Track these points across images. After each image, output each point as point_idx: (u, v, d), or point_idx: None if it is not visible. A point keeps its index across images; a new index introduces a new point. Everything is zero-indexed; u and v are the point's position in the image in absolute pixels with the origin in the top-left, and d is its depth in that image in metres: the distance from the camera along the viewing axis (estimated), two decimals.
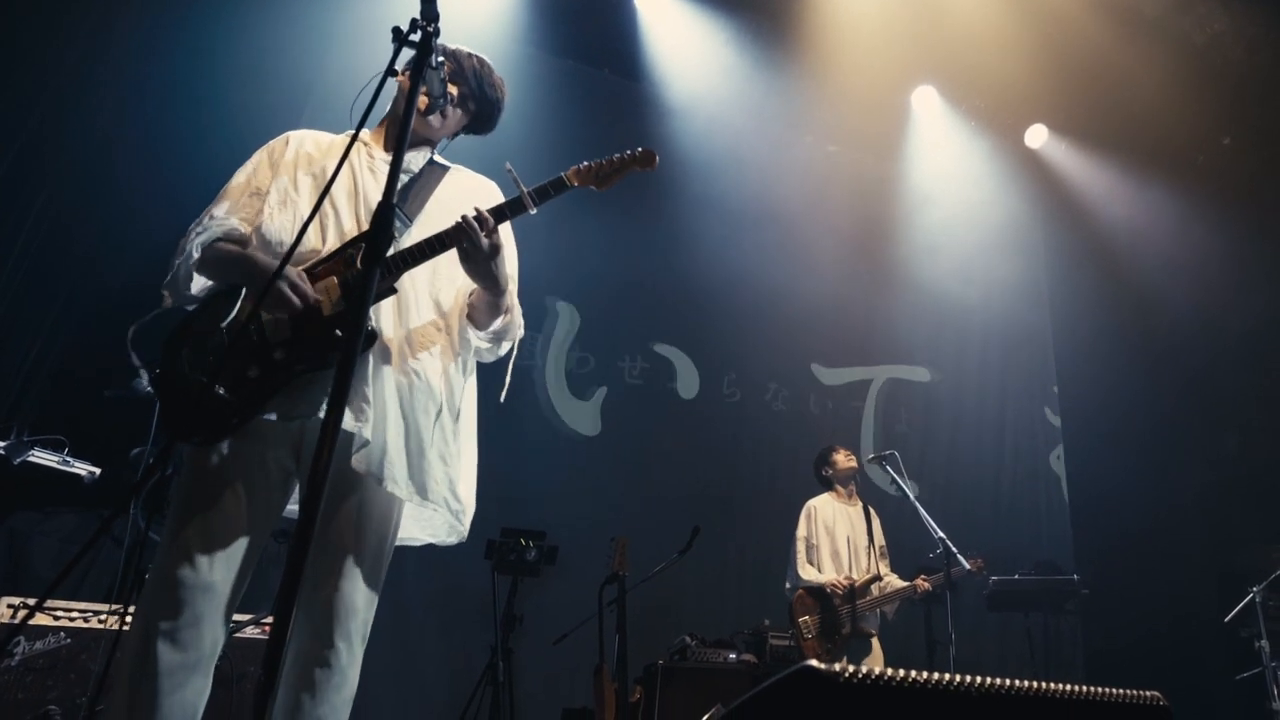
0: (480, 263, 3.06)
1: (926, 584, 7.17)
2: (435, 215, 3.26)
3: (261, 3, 7.74)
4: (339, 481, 2.94)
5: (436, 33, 2.51)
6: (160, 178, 6.82)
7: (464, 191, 3.45)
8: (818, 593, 7.13)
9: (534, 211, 3.16)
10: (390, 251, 3.01)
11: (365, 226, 3.07)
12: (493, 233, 3.04)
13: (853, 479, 7.64)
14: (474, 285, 3.23)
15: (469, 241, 2.99)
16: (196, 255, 2.98)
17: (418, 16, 2.48)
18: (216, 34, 7.43)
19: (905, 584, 7.23)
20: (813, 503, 7.57)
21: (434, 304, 3.23)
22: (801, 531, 7.42)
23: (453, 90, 3.36)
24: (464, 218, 2.99)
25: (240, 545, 2.83)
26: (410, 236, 3.16)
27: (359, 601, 2.94)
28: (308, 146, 3.29)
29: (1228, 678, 7.63)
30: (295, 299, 2.87)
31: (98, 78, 7.04)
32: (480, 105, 3.48)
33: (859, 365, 10.74)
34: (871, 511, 7.59)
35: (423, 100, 3.13)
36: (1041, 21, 9.08)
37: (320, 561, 2.93)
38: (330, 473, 2.92)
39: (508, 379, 3.51)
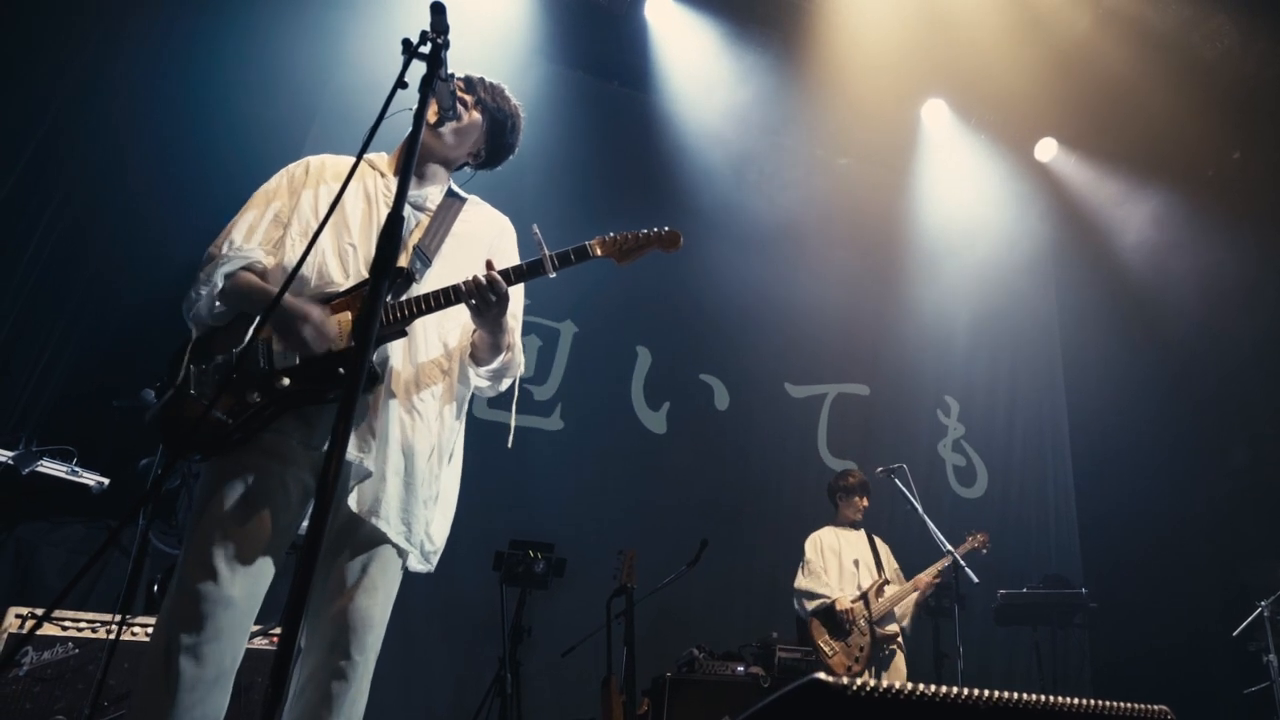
0: (489, 316, 3.11)
1: (927, 577, 7.16)
2: (452, 254, 3.29)
3: (271, 14, 7.77)
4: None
5: (446, 45, 2.50)
6: (170, 187, 6.85)
7: (480, 229, 3.49)
8: (826, 614, 7.13)
9: (552, 275, 3.18)
10: (408, 295, 3.06)
11: None
12: (499, 297, 3.07)
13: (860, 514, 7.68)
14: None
15: (480, 300, 3.02)
16: (220, 285, 2.98)
17: (427, 29, 2.47)
18: (226, 44, 7.46)
19: (907, 584, 7.22)
20: (817, 533, 7.64)
21: (441, 344, 3.24)
22: (809, 554, 7.47)
23: (466, 98, 3.37)
24: (477, 281, 3.03)
25: (261, 561, 2.83)
26: (430, 275, 3.19)
27: (376, 615, 2.96)
28: (327, 174, 3.29)
29: (1235, 692, 7.62)
30: (314, 343, 2.92)
31: (107, 87, 7.06)
32: (494, 115, 3.46)
33: (865, 378, 10.71)
34: (877, 539, 7.62)
35: (433, 114, 3.14)
36: (1051, 35, 9.09)
37: (338, 575, 2.95)
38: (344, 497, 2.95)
39: (513, 423, 3.54)
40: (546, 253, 3.14)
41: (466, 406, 3.44)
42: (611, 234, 3.28)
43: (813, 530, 7.66)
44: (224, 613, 2.71)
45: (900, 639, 7.19)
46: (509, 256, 3.51)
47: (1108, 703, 1.77)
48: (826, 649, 7.01)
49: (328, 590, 2.94)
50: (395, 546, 3.04)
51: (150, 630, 2.73)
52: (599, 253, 3.25)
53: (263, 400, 2.86)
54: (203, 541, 2.77)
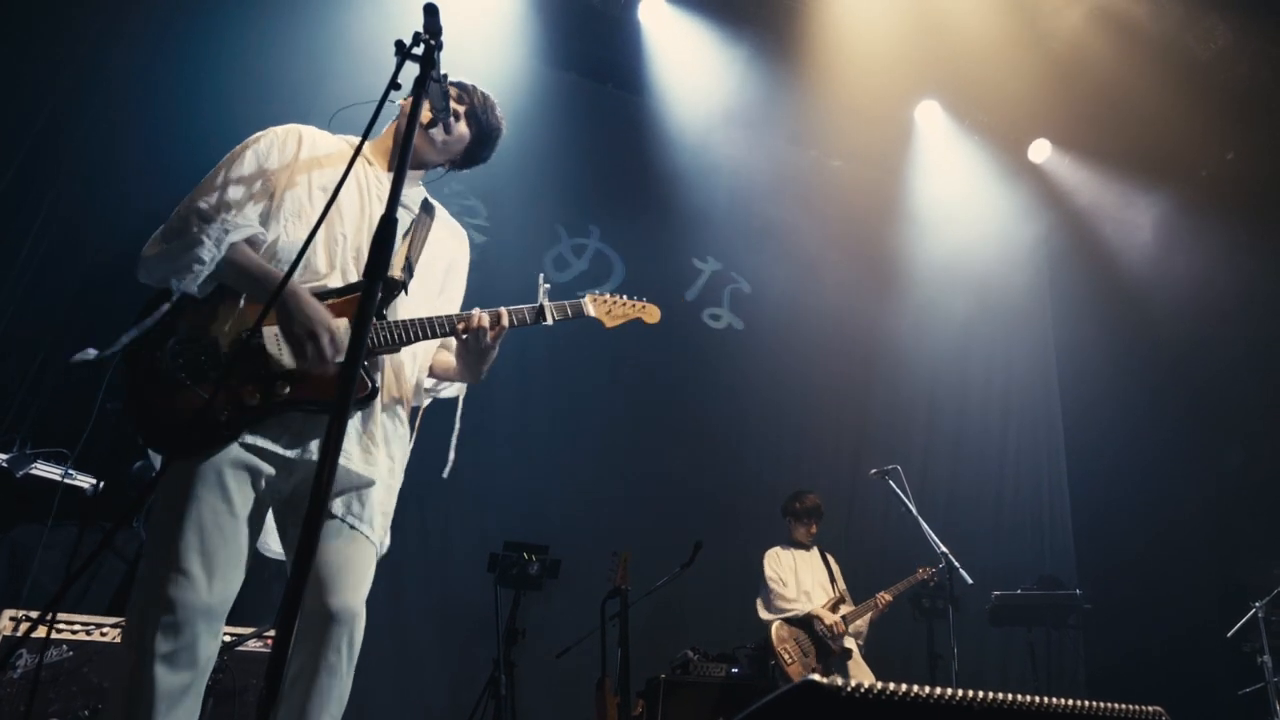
0: (475, 356, 3.19)
1: (887, 596, 7.26)
2: (430, 261, 3.36)
3: (267, 11, 7.77)
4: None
5: (439, 46, 2.49)
6: (167, 183, 6.80)
7: (446, 239, 3.52)
8: (795, 622, 7.16)
9: (550, 324, 3.28)
10: (394, 310, 3.12)
11: None
12: (498, 337, 3.16)
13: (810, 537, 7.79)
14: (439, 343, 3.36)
15: (474, 339, 3.12)
16: (222, 254, 2.85)
17: (421, 30, 2.47)
18: (223, 41, 7.47)
19: (868, 602, 7.31)
20: (773, 550, 7.77)
21: (411, 355, 3.27)
22: (770, 573, 7.55)
23: (458, 108, 3.36)
24: (480, 321, 3.12)
25: (234, 567, 2.83)
26: (411, 285, 3.22)
27: (357, 609, 2.97)
28: (318, 152, 3.23)
29: (1230, 693, 7.60)
30: (330, 357, 2.85)
31: (103, 83, 7.06)
32: (481, 128, 3.47)
33: (859, 379, 10.69)
34: (829, 557, 7.69)
35: (426, 114, 3.13)
36: (1044, 36, 9.10)
37: (316, 572, 2.93)
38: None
39: (451, 455, 3.51)
40: (548, 304, 3.29)
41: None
42: (606, 296, 3.50)
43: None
44: (200, 620, 2.70)
45: (857, 645, 7.29)
46: (464, 269, 3.60)
47: (1102, 704, 1.78)
48: (785, 656, 7.06)
49: (313, 583, 2.92)
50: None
51: None
52: (591, 312, 3.44)
53: (260, 405, 2.83)
54: (176, 547, 2.72)
